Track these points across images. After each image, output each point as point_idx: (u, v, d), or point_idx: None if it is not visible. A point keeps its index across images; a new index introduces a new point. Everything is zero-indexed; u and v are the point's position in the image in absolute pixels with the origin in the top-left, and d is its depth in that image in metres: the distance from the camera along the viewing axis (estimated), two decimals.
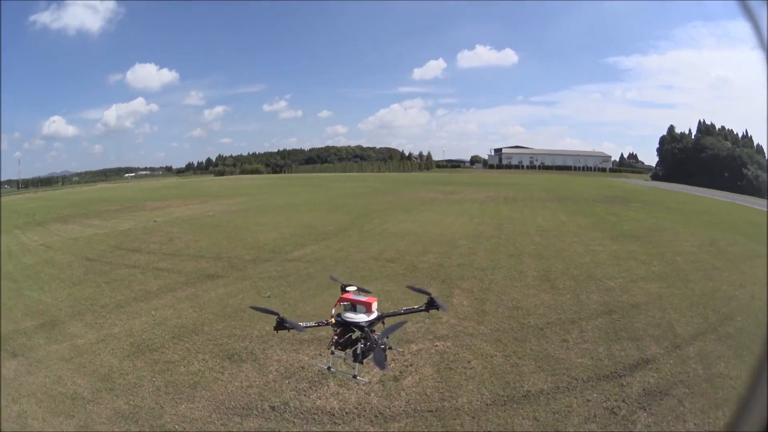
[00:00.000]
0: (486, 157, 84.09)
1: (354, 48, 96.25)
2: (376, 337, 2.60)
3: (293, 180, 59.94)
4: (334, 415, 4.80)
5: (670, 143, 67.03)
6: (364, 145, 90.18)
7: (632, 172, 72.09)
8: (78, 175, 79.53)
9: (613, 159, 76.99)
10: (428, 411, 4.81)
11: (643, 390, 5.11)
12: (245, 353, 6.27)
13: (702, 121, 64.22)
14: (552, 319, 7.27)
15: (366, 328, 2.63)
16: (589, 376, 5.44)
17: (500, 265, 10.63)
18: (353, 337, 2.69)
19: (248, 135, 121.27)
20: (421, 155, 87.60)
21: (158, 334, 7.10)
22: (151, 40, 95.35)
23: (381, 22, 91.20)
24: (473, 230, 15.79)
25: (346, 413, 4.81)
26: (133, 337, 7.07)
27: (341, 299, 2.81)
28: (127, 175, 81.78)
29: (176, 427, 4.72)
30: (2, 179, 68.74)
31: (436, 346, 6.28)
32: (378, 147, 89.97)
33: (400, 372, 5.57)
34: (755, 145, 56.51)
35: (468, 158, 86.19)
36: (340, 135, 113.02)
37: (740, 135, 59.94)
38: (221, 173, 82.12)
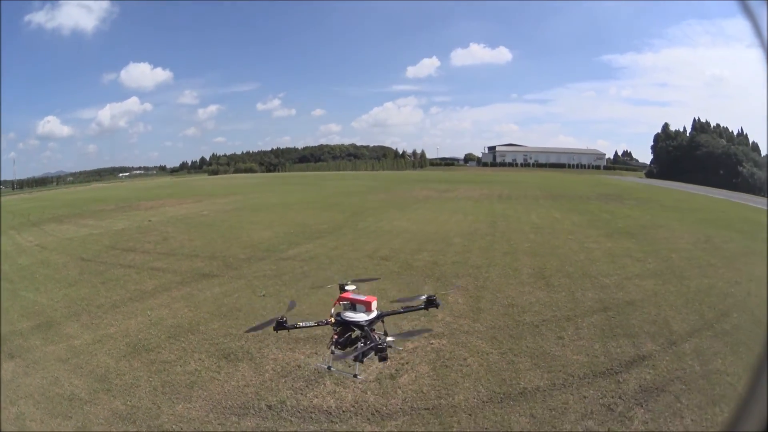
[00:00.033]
0: (480, 155, 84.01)
1: (347, 46, 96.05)
2: (376, 336, 2.60)
3: (287, 179, 59.78)
4: (331, 413, 4.80)
5: (665, 141, 67.22)
6: (358, 144, 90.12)
7: (626, 169, 72.34)
8: (72, 175, 79.07)
9: (607, 156, 77.37)
10: (425, 409, 4.82)
11: (640, 386, 5.14)
12: (241, 352, 6.26)
13: (697, 118, 64.45)
14: (547, 316, 7.30)
15: (366, 327, 2.63)
16: (585, 372, 5.47)
17: (495, 263, 10.66)
18: (353, 336, 2.69)
19: (242, 134, 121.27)
20: (414, 153, 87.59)
21: (154, 334, 7.08)
22: (144, 40, 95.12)
23: (374, 20, 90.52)
24: (468, 228, 15.82)
25: (343, 411, 4.81)
26: (129, 337, 7.04)
27: (341, 298, 2.80)
28: (121, 174, 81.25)
29: (173, 427, 4.70)
30: (1, 179, 68.04)
31: (432, 344, 6.28)
32: (372, 145, 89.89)
33: (397, 370, 5.57)
34: (750, 142, 56.91)
35: (462, 156, 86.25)
36: (333, 133, 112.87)
37: (735, 133, 60.31)
38: (215, 172, 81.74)
